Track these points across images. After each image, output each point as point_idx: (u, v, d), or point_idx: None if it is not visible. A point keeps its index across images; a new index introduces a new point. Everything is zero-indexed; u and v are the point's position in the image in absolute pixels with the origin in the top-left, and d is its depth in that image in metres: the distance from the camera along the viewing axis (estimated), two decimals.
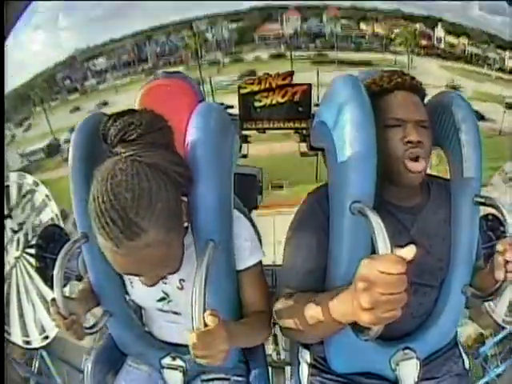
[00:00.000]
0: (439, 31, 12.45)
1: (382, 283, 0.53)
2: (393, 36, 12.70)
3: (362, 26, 13.48)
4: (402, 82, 0.85)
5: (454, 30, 12.31)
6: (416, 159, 0.80)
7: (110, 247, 0.62)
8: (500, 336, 2.81)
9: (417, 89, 0.86)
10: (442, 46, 12.39)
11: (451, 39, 12.29)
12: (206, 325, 0.63)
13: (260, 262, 0.87)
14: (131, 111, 0.68)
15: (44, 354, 2.72)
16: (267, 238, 0.90)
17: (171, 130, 0.71)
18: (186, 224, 0.76)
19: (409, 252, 0.53)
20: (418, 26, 12.53)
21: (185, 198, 0.75)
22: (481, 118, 10.06)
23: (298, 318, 0.77)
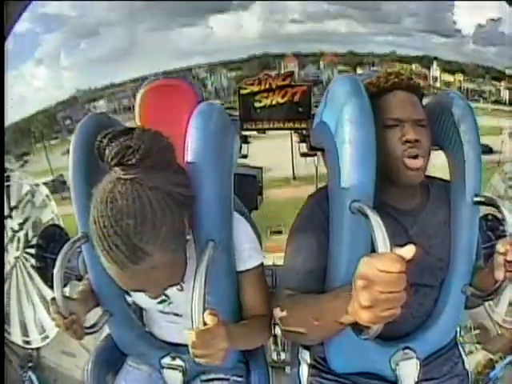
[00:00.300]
0: (434, 70, 12.60)
1: (382, 281, 0.53)
2: None
3: (359, 70, 13.66)
4: (399, 82, 0.86)
5: (450, 67, 12.47)
6: (415, 157, 0.81)
7: (115, 269, 0.61)
8: (510, 358, 2.77)
9: (414, 88, 0.87)
10: (438, 84, 12.49)
11: (447, 77, 12.45)
12: (205, 324, 0.63)
13: (260, 264, 0.87)
14: (128, 131, 0.64)
15: (33, 377, 2.69)
16: None
17: (172, 147, 0.68)
18: (189, 237, 0.75)
19: (408, 251, 0.53)
20: (413, 66, 12.66)
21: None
22: (489, 151, 10.08)
23: (298, 320, 0.77)
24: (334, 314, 0.67)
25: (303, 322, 0.76)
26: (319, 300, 0.75)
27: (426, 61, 12.75)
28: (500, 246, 0.75)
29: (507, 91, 11.61)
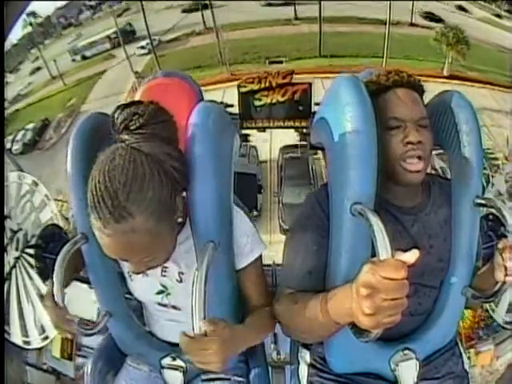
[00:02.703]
0: None
1: (385, 289, 0.53)
2: None
3: None
4: (400, 79, 0.85)
5: None
6: (417, 158, 0.80)
7: (98, 226, 0.63)
8: None
9: (415, 85, 0.86)
10: None
11: None
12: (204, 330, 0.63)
13: (260, 255, 0.87)
14: (138, 102, 0.70)
15: None
16: None
17: (175, 124, 0.73)
18: (180, 220, 0.76)
19: (411, 257, 0.53)
20: None
21: (183, 194, 0.76)
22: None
23: (297, 319, 0.77)
24: (331, 314, 0.67)
25: (302, 321, 0.76)
26: (318, 300, 0.74)
27: None
28: (500, 247, 0.75)
29: None
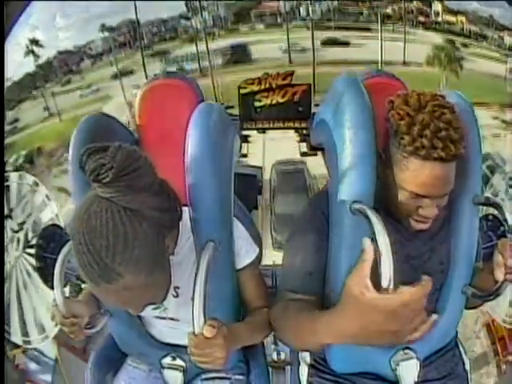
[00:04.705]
0: (436, 6, 12.42)
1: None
2: (390, 12, 12.60)
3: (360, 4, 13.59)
4: (445, 155, 0.68)
5: (451, 10, 12.44)
6: (426, 220, 0.77)
7: (90, 285, 0.61)
8: None
9: (457, 156, 0.70)
10: (440, 19, 12.35)
11: (449, 17, 12.34)
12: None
13: (257, 257, 0.88)
14: (105, 148, 0.61)
15: None
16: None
17: (151, 168, 0.65)
18: (172, 257, 0.73)
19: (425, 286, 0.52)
20: (414, 3, 12.54)
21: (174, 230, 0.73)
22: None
23: (286, 326, 0.77)
24: (319, 334, 0.65)
25: (290, 329, 0.76)
26: (308, 315, 0.72)
27: (427, 2, 12.68)
28: (500, 247, 0.76)
29: (510, 38, 11.44)
